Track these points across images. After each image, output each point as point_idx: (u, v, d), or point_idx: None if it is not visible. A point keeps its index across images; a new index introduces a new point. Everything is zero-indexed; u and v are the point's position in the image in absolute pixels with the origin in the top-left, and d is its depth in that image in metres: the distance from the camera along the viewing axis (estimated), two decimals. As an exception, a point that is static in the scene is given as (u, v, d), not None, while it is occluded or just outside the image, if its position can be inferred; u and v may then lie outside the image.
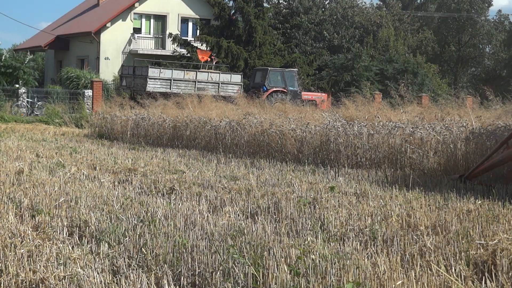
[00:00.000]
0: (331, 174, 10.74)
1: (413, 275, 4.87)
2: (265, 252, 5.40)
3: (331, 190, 9.05)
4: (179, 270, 5.15)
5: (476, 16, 61.90)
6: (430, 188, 9.41)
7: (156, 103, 24.17)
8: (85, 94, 33.74)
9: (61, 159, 12.74)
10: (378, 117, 15.32)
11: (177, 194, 8.80)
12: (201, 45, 41.31)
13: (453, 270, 5.05)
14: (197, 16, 45.97)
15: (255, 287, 4.82)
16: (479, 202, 8.06)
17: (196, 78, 33.87)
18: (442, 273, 4.92)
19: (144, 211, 7.26)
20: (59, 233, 6.33)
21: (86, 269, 5.07)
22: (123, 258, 5.46)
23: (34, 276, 4.95)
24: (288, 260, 5.23)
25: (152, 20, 45.95)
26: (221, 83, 34.51)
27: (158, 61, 40.54)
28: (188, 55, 41.53)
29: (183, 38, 43.19)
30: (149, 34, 45.80)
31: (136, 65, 35.89)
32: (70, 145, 16.56)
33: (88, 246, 5.88)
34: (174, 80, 33.28)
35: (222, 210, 7.59)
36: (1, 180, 9.54)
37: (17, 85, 33.65)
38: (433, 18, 62.38)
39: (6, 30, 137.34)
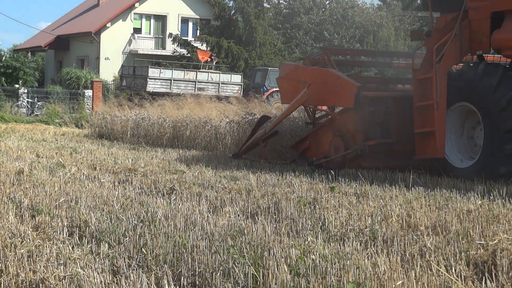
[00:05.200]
0: (331, 174, 10.75)
1: (413, 275, 4.87)
2: (265, 252, 5.40)
3: (331, 190, 9.05)
4: (179, 270, 5.15)
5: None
6: (430, 188, 9.40)
7: (156, 103, 24.18)
8: (85, 94, 33.75)
9: (61, 159, 12.74)
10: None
11: (177, 194, 8.80)
12: (201, 45, 41.34)
13: (453, 270, 5.05)
14: (197, 16, 45.98)
15: (255, 287, 4.82)
16: (479, 202, 8.06)
17: (196, 78, 33.89)
18: (442, 273, 4.92)
19: (144, 211, 7.25)
20: (59, 233, 6.32)
21: (86, 269, 5.07)
22: (123, 258, 5.45)
23: (34, 276, 4.95)
24: (288, 260, 5.23)
25: (152, 20, 45.97)
26: (221, 83, 34.53)
27: (158, 61, 40.56)
28: (188, 55, 41.55)
29: (183, 38, 43.22)
30: (149, 34, 45.82)
31: (136, 65, 35.91)
32: (70, 145, 16.56)
33: (88, 246, 5.88)
34: (174, 80, 33.31)
35: (222, 210, 7.58)
36: (1, 180, 9.54)
37: (17, 85, 33.67)
38: (434, 18, 62.27)
39: (6, 30, 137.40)
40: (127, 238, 6.01)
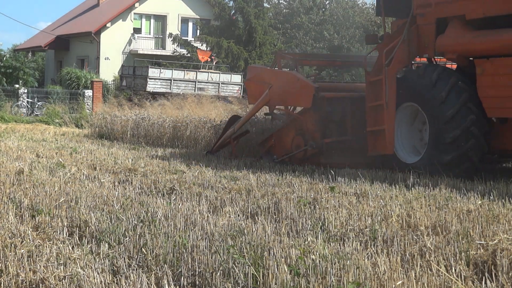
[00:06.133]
0: (331, 174, 10.75)
1: (413, 275, 4.87)
2: (265, 252, 5.40)
3: (331, 190, 9.05)
4: (179, 270, 5.15)
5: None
6: (430, 188, 9.41)
7: (156, 103, 24.18)
8: (85, 94, 33.75)
9: (61, 159, 12.74)
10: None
11: (177, 194, 8.80)
12: (201, 45, 41.31)
13: (453, 270, 5.05)
14: (197, 16, 45.96)
15: (255, 287, 4.82)
16: (479, 202, 8.06)
17: (196, 78, 33.87)
18: (442, 273, 4.92)
19: (144, 211, 7.25)
20: (59, 233, 6.32)
21: (86, 269, 5.07)
22: (123, 258, 5.45)
23: (34, 276, 4.95)
24: (288, 260, 5.23)
25: (152, 20, 45.96)
26: (221, 83, 34.52)
27: (158, 61, 40.54)
28: (188, 55, 41.53)
29: (183, 38, 43.20)
30: (149, 34, 45.81)
31: (136, 65, 35.90)
32: (70, 145, 16.56)
33: (88, 246, 5.88)
34: (174, 80, 33.29)
35: (222, 210, 7.58)
36: (1, 180, 9.54)
37: (17, 85, 33.66)
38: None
39: (6, 30, 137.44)
40: (127, 238, 6.01)
